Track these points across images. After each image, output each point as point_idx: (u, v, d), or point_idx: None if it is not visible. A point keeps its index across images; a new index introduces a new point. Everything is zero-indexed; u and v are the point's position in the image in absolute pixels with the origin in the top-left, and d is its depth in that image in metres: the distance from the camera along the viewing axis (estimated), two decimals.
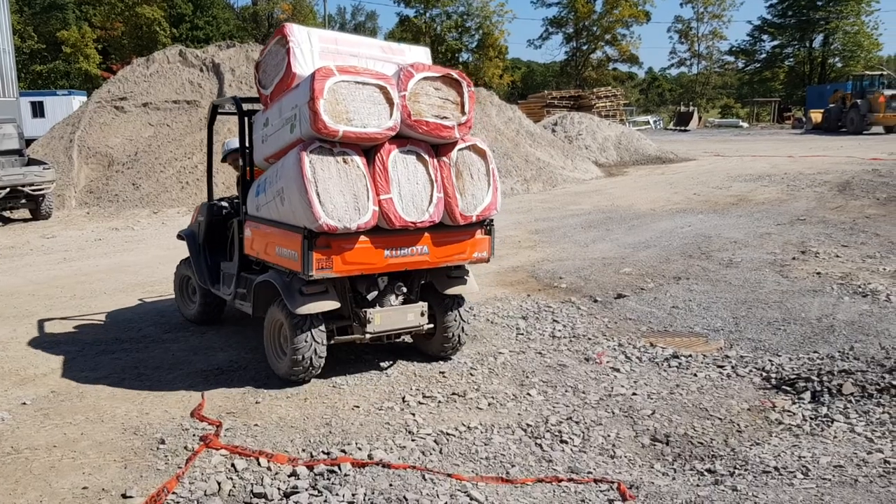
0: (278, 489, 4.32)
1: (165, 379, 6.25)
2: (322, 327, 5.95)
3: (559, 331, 7.49)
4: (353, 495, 4.17)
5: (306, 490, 4.27)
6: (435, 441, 4.98)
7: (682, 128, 60.97)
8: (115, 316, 8.28)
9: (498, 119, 24.21)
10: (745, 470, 4.54)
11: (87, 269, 11.04)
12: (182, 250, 7.97)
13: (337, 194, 5.45)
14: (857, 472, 4.43)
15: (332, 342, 6.14)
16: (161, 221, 15.76)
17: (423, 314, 6.26)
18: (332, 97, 5.41)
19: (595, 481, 4.43)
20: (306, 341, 5.84)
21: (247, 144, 6.67)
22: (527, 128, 25.77)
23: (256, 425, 5.26)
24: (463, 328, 6.60)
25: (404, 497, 4.14)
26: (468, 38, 79.99)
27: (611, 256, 11.05)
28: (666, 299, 8.54)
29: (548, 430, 5.14)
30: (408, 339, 7.01)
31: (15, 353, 7.04)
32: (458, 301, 6.57)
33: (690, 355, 6.64)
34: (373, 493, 4.19)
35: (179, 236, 8.00)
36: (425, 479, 4.38)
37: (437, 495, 4.18)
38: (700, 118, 68.54)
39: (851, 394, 5.54)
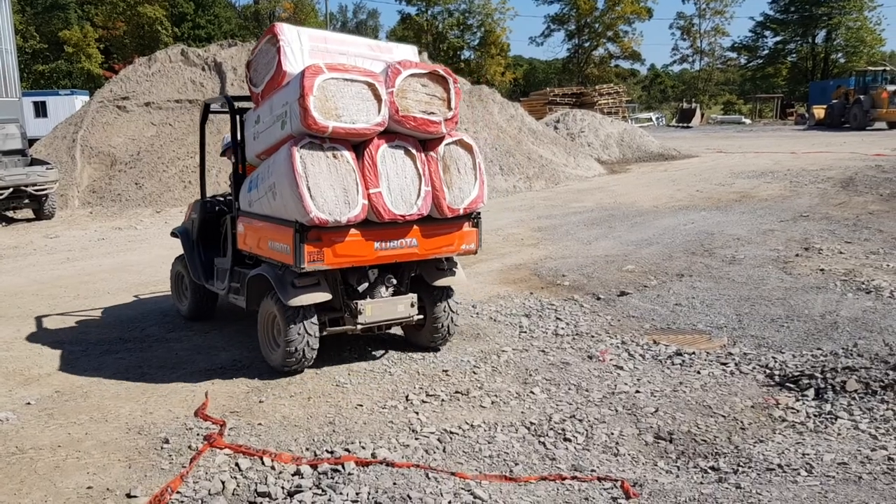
0: (282, 488, 4.32)
1: (169, 378, 6.26)
2: (314, 319, 6.10)
3: (562, 329, 7.48)
4: (357, 494, 4.17)
5: (310, 489, 4.27)
6: (438, 439, 4.98)
7: (685, 124, 60.84)
8: (119, 315, 8.29)
9: (500, 117, 24.19)
10: (749, 467, 4.54)
11: (90, 268, 11.07)
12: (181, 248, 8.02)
13: (327, 188, 5.61)
14: (861, 470, 4.42)
15: (325, 334, 6.28)
16: (164, 221, 15.77)
17: (412, 305, 6.42)
18: (322, 94, 5.57)
19: (599, 479, 4.43)
20: (299, 333, 5.99)
21: (239, 141, 6.82)
22: (529, 125, 25.75)
23: (260, 424, 5.26)
24: (452, 319, 6.75)
25: (408, 496, 4.14)
26: (470, 35, 79.95)
27: (613, 254, 11.05)
28: (669, 296, 8.53)
29: (551, 429, 5.14)
30: (399, 331, 7.17)
31: (19, 353, 7.06)
32: (448, 292, 6.73)
33: (694, 353, 6.64)
34: (376, 492, 4.19)
35: (173, 234, 8.16)
36: (429, 478, 4.38)
37: (441, 494, 4.18)
38: (702, 115, 68.37)
39: (855, 391, 5.53)
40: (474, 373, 6.27)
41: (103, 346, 7.22)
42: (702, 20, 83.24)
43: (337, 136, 5.70)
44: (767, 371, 6.17)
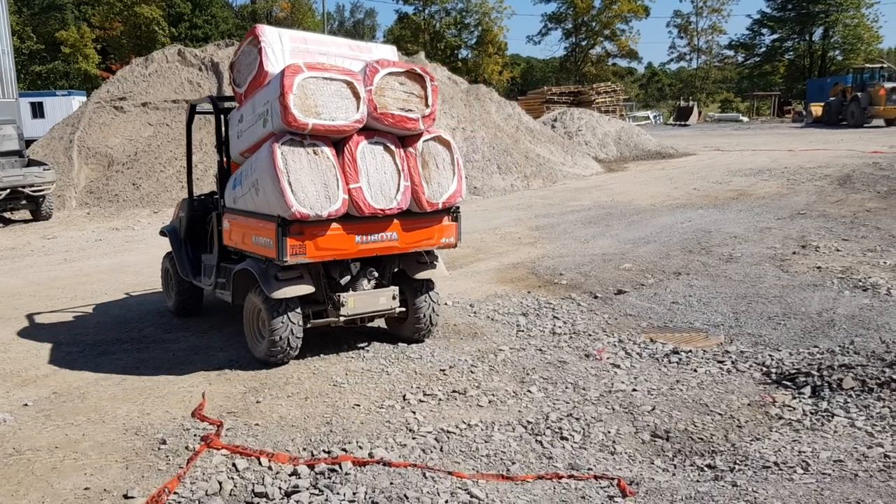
0: (279, 488, 4.33)
1: (166, 379, 6.26)
2: (297, 311, 6.30)
3: (559, 327, 7.49)
4: (354, 494, 4.18)
5: (307, 489, 4.28)
6: (435, 439, 4.99)
7: (682, 123, 60.90)
8: (116, 316, 8.29)
9: (497, 115, 24.18)
10: (746, 465, 4.55)
11: (87, 269, 11.06)
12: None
13: (308, 184, 5.80)
14: (857, 467, 4.43)
15: (308, 326, 6.50)
16: (161, 221, 15.73)
17: (394, 298, 6.64)
18: (302, 92, 5.78)
19: (595, 478, 4.43)
20: (282, 324, 6.19)
21: (223, 140, 7.06)
22: (526, 124, 25.75)
23: (257, 425, 5.26)
24: (433, 311, 6.95)
25: (405, 495, 4.15)
26: (467, 34, 79.99)
27: (611, 252, 11.05)
28: (666, 295, 8.54)
29: (548, 427, 5.15)
30: (382, 324, 7.40)
31: (16, 355, 7.05)
32: (429, 285, 6.94)
33: (690, 351, 6.65)
34: (373, 492, 4.19)
35: (162, 232, 8.36)
36: (426, 477, 4.38)
37: (438, 493, 4.19)
38: (700, 113, 68.43)
39: (852, 388, 5.54)
40: (472, 372, 6.27)
41: (100, 347, 7.22)
42: (699, 18, 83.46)
43: (317, 132, 5.89)
44: (764, 369, 6.18)
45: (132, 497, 4.29)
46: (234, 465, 4.63)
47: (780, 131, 43.66)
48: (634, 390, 5.80)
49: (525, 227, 13.75)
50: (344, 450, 4.81)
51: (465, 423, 5.23)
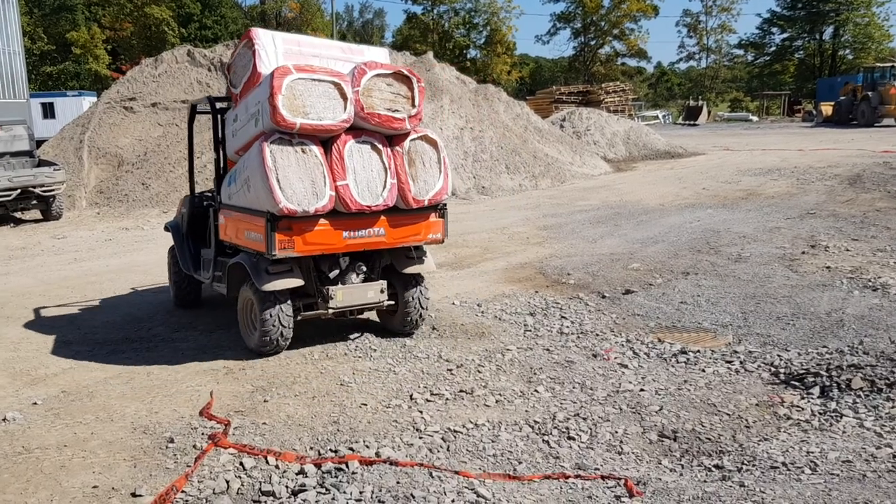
0: (286, 487, 4.33)
1: (174, 378, 6.28)
2: (288, 303, 6.54)
3: (567, 327, 7.48)
4: (361, 493, 4.18)
5: (314, 488, 4.28)
6: (442, 438, 4.99)
7: (692, 122, 60.72)
8: (125, 316, 8.33)
9: (506, 115, 24.17)
10: (753, 465, 4.53)
11: (97, 269, 11.11)
12: None
13: (296, 181, 6.05)
14: (865, 468, 4.41)
15: (299, 318, 6.75)
16: None
17: (382, 291, 6.86)
18: (290, 93, 6.03)
19: (602, 478, 4.43)
20: (273, 315, 6.44)
21: (220, 139, 7.41)
22: (535, 124, 25.72)
23: (264, 424, 5.28)
24: (422, 305, 7.17)
25: (412, 494, 4.15)
26: (476, 34, 79.96)
27: (619, 252, 11.03)
28: (674, 295, 8.52)
29: (555, 427, 5.14)
30: (374, 317, 7.65)
31: (26, 354, 7.10)
32: (417, 280, 7.16)
33: (698, 351, 6.63)
34: (380, 491, 4.20)
35: (166, 228, 8.68)
36: (433, 477, 4.39)
37: (445, 493, 4.19)
38: (709, 112, 68.22)
39: (860, 388, 5.51)
40: (479, 371, 6.27)
41: (109, 346, 7.25)
42: (708, 17, 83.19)
43: (305, 132, 6.13)
44: (772, 369, 6.15)
45: (140, 495, 4.31)
46: (241, 463, 4.64)
47: (790, 131, 43.48)
48: (642, 390, 5.78)
49: (533, 227, 13.74)
50: (351, 449, 4.81)
51: (472, 422, 5.23)
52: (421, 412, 5.43)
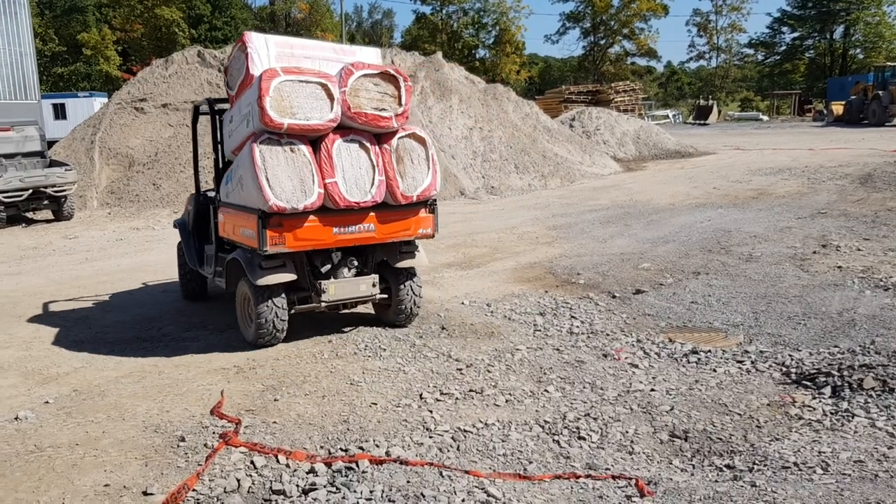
0: (297, 486, 4.34)
1: (185, 377, 6.31)
2: (282, 297, 6.75)
3: (577, 327, 7.47)
4: (371, 492, 4.19)
5: (324, 487, 4.29)
6: (452, 438, 4.99)
7: (702, 121, 60.54)
8: (136, 315, 8.36)
9: (515, 115, 24.15)
10: (765, 465, 4.51)
11: (108, 268, 11.16)
12: None
13: (285, 179, 6.27)
14: (877, 468, 4.38)
15: (294, 311, 6.97)
16: None
17: (374, 285, 7.08)
18: (278, 94, 6.25)
19: (613, 478, 4.42)
20: (267, 308, 6.66)
21: (219, 140, 7.71)
22: (544, 123, 25.69)
23: (275, 423, 5.29)
24: (414, 298, 7.38)
25: (421, 494, 4.15)
26: (485, 34, 79.98)
27: (629, 252, 11.01)
28: (685, 294, 8.49)
29: (565, 427, 5.13)
30: (371, 310, 7.88)
31: (38, 353, 7.13)
32: (410, 273, 7.36)
33: (709, 350, 6.60)
34: (390, 490, 4.20)
35: (175, 225, 8.97)
36: (443, 476, 4.39)
37: (455, 492, 4.19)
38: (719, 112, 67.97)
39: (872, 388, 5.48)
40: (488, 371, 6.27)
41: (121, 345, 7.29)
42: (718, 17, 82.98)
43: (293, 132, 6.36)
44: (784, 369, 6.13)
45: (151, 494, 4.33)
46: (252, 462, 4.65)
47: (800, 130, 43.28)
48: (653, 390, 5.77)
49: (542, 227, 13.72)
50: (361, 448, 4.82)
51: (482, 422, 5.22)
52: (431, 412, 5.43)
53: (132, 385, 6.15)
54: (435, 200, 7.12)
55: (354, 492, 4.19)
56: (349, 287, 6.97)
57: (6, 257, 12.47)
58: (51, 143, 19.60)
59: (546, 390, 5.81)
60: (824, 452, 4.63)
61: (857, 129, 39.33)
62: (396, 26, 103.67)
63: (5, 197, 15.35)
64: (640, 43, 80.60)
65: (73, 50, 60.35)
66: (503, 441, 4.94)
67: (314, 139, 6.53)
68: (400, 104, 6.74)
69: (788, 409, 5.35)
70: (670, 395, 5.68)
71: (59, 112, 37.85)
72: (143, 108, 20.84)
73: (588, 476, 4.43)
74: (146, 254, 12.36)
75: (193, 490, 4.32)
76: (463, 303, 8.42)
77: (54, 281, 10.38)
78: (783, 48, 78.52)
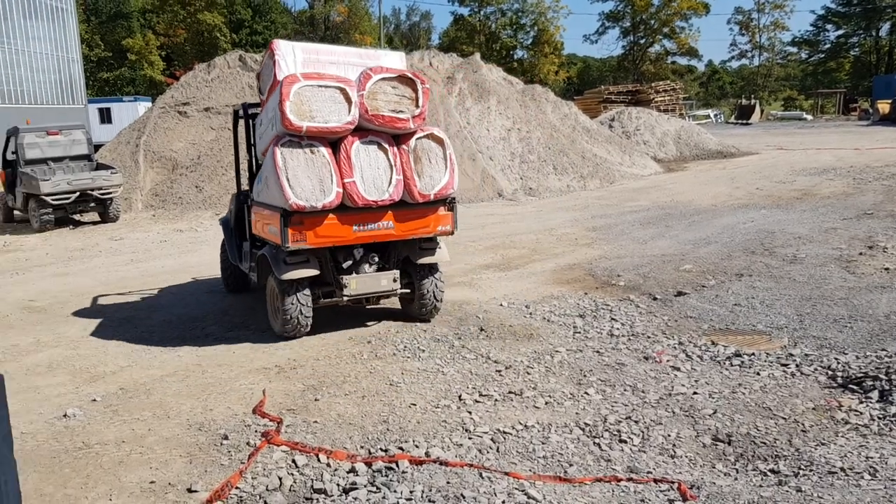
0: (337, 485, 4.38)
1: (228, 376, 6.39)
2: (307, 291, 7.12)
3: (617, 329, 7.41)
4: (411, 492, 4.20)
5: (365, 486, 4.32)
6: (492, 439, 4.98)
7: (744, 121, 59.68)
8: (181, 315, 8.50)
9: (553, 116, 24.04)
10: (810, 470, 4.43)
11: (153, 269, 11.36)
12: None
13: (304, 179, 6.60)
14: None
15: (318, 305, 7.32)
16: None
17: (395, 280, 7.36)
18: (297, 99, 6.58)
19: (655, 481, 4.37)
20: (292, 303, 7.03)
21: (252, 142, 8.12)
22: (583, 124, 25.54)
23: (316, 422, 5.34)
24: (436, 293, 7.65)
25: (462, 495, 4.16)
26: (523, 35, 79.83)
27: (670, 253, 10.89)
28: (728, 297, 8.38)
29: (606, 430, 5.09)
30: (398, 304, 8.16)
31: (86, 352, 7.29)
32: (432, 269, 7.63)
33: (753, 354, 6.50)
34: (430, 491, 4.21)
35: (220, 222, 9.41)
36: (482, 478, 4.39)
37: (495, 493, 4.18)
38: (762, 111, 66.96)
39: None
40: (528, 373, 6.25)
41: (165, 344, 7.41)
42: (760, 15, 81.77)
43: (312, 134, 6.67)
44: (830, 372, 6.01)
45: (196, 491, 4.40)
46: (293, 461, 4.70)
47: (845, 129, 42.41)
48: (695, 393, 5.70)
49: (581, 228, 13.64)
50: (401, 448, 4.84)
51: (521, 423, 5.21)
52: (470, 413, 5.43)
53: (177, 384, 6.26)
54: (454, 198, 7.34)
55: (395, 492, 4.21)
56: (370, 282, 7.24)
57: (54, 258, 12.77)
58: (97, 147, 20.04)
59: (586, 393, 5.77)
60: (872, 458, 4.53)
61: None
62: (434, 28, 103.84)
63: (53, 199, 15.74)
64: (681, 42, 79.75)
65: (118, 55, 61.59)
66: (543, 443, 4.92)
67: (334, 141, 6.82)
68: (417, 106, 7.00)
69: (834, 414, 5.25)
70: (713, 398, 5.60)
71: (105, 116, 38.64)
72: (185, 111, 21.18)
73: (629, 479, 4.40)
74: (190, 255, 12.56)
75: (237, 487, 4.38)
76: (501, 304, 8.41)
77: (101, 282, 10.60)
78: (827, 46, 77.16)
